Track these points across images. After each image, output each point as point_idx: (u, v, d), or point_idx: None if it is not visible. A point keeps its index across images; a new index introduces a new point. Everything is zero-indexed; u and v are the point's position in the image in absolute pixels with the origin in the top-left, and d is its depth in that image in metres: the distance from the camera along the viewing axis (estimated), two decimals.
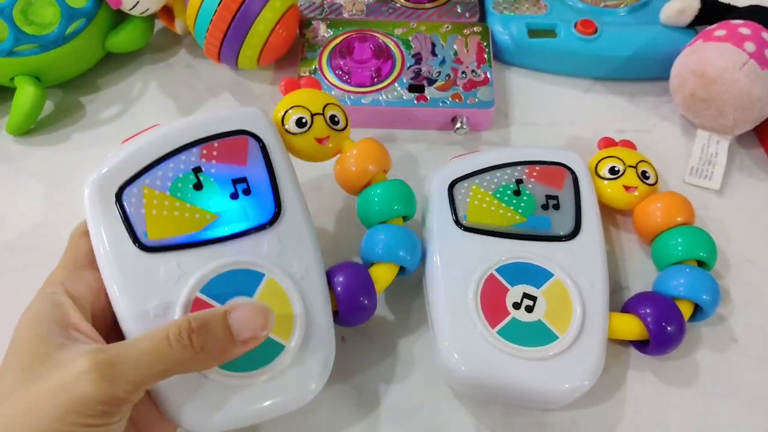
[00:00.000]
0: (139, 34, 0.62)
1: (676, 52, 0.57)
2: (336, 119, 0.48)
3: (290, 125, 0.46)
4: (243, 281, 0.40)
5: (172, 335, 0.34)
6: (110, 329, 0.39)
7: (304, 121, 0.46)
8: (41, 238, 0.53)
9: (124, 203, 0.40)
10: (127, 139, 0.43)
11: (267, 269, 0.40)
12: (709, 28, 0.56)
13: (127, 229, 0.39)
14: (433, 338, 0.44)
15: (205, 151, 0.42)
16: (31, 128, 0.60)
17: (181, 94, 0.62)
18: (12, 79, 0.58)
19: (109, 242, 0.39)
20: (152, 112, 0.61)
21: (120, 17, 0.62)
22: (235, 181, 0.42)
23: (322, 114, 0.47)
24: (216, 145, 0.42)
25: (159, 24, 0.66)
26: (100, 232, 0.39)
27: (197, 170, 0.41)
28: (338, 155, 0.49)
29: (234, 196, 0.42)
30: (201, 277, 0.39)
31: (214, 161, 0.42)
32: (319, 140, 0.47)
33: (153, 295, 0.38)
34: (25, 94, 0.57)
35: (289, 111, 0.47)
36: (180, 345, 0.33)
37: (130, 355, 0.33)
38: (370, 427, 0.44)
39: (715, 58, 0.52)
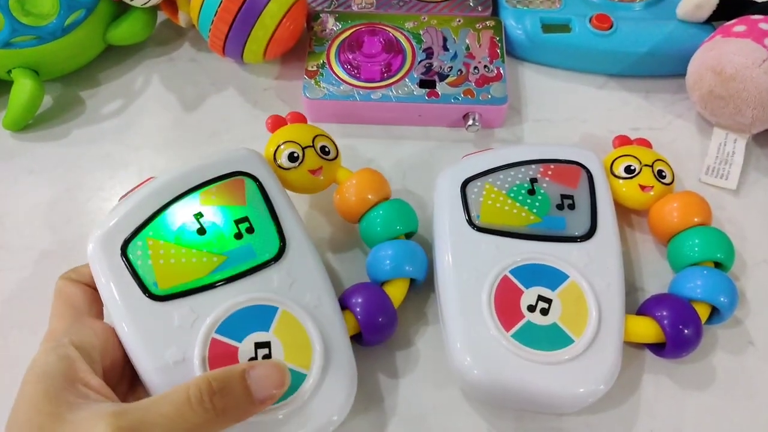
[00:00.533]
0: (141, 26, 0.61)
1: (693, 48, 0.56)
2: (326, 149, 0.48)
3: (283, 161, 0.47)
4: (257, 317, 0.40)
5: (193, 398, 0.33)
6: (121, 376, 0.39)
7: (295, 155, 0.47)
8: (40, 238, 0.52)
9: (130, 256, 0.40)
10: (124, 195, 0.43)
11: (280, 302, 0.41)
12: (728, 23, 0.54)
13: (136, 282, 0.39)
14: (445, 341, 0.44)
15: (203, 197, 0.43)
16: (29, 123, 0.58)
17: (184, 89, 0.61)
18: (9, 72, 0.57)
19: (120, 296, 0.39)
20: (154, 107, 0.60)
21: (121, 9, 0.61)
22: (237, 222, 0.42)
23: (313, 146, 0.48)
24: (213, 189, 0.43)
25: (161, 16, 0.65)
26: (110, 287, 0.40)
27: (198, 216, 0.42)
28: (333, 184, 0.49)
29: (238, 236, 0.42)
30: (215, 318, 0.39)
31: (213, 205, 0.42)
32: (313, 172, 0.48)
33: (170, 342, 0.38)
34: (23, 87, 0.56)
35: (280, 147, 0.47)
36: (202, 408, 0.33)
37: (151, 420, 0.32)
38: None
39: (733, 54, 0.51)
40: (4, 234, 0.52)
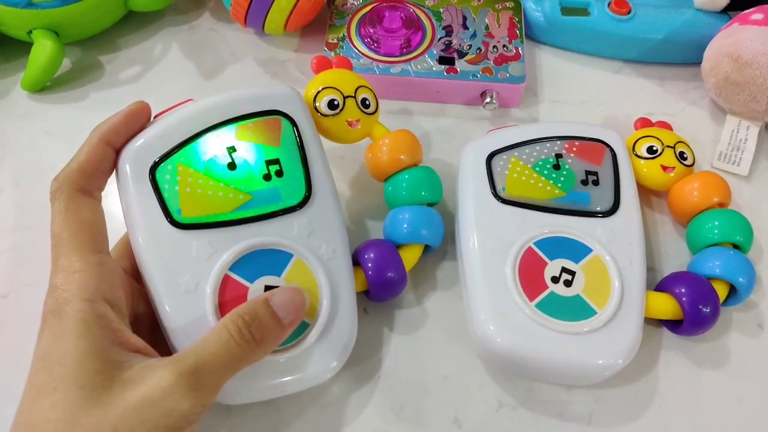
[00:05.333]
0: None
1: (709, 37, 0.56)
2: (367, 102, 0.48)
3: (321, 106, 0.46)
4: (272, 261, 0.40)
5: (235, 334, 0.34)
6: (144, 329, 0.39)
7: (336, 103, 0.46)
8: None
9: (158, 179, 0.40)
10: (160, 113, 0.42)
11: (296, 250, 0.41)
12: (746, 12, 0.55)
13: (161, 206, 0.39)
14: (467, 310, 0.44)
15: (239, 131, 0.42)
16: (47, 85, 0.58)
17: (203, 58, 0.61)
18: (30, 32, 0.56)
19: (143, 217, 0.39)
20: (173, 74, 0.60)
21: None
22: (269, 162, 0.42)
23: (354, 97, 0.47)
24: (250, 125, 0.42)
25: None
26: (134, 207, 0.39)
27: (231, 150, 0.41)
28: (366, 139, 0.49)
29: (267, 177, 0.42)
30: (232, 255, 0.39)
31: (247, 141, 0.42)
32: (350, 123, 0.47)
33: (184, 270, 0.38)
34: (43, 48, 0.56)
35: (321, 92, 0.46)
36: (244, 341, 0.34)
37: (205, 360, 0.33)
38: (390, 400, 0.43)
39: (751, 41, 0.52)
40: (20, 193, 0.52)
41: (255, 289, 0.39)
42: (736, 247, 0.46)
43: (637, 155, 0.49)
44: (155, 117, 0.42)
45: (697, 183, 0.48)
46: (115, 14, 0.60)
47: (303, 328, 0.39)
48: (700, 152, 0.56)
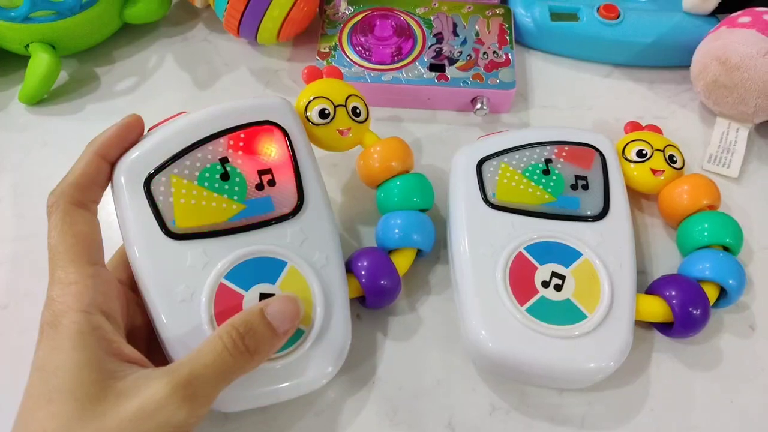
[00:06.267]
0: (157, 5, 0.61)
1: (698, 40, 0.57)
2: (358, 111, 0.48)
3: (313, 116, 0.47)
4: (266, 269, 0.40)
5: (229, 345, 0.35)
6: (140, 339, 0.40)
7: (326, 112, 0.47)
8: None
9: (153, 191, 0.40)
10: (154, 126, 0.43)
11: (289, 258, 0.41)
12: (733, 15, 0.56)
13: (155, 217, 0.39)
14: (459, 315, 0.44)
15: (231, 142, 0.42)
16: (44, 98, 0.59)
17: (197, 69, 0.62)
18: (27, 46, 0.57)
19: (138, 229, 0.39)
20: (168, 85, 0.61)
21: None
22: (261, 172, 0.42)
23: (345, 106, 0.48)
24: (242, 135, 0.43)
25: None
26: (130, 218, 0.40)
27: (224, 161, 0.42)
28: (358, 146, 0.50)
29: (259, 187, 0.42)
30: (226, 264, 0.40)
31: (240, 152, 0.42)
32: (341, 132, 0.48)
33: (180, 280, 0.39)
34: (40, 62, 0.56)
35: (312, 101, 0.47)
36: (238, 352, 0.35)
37: (200, 372, 0.33)
38: (384, 405, 0.44)
39: (738, 44, 0.52)
40: (18, 202, 0.52)
41: (250, 296, 0.39)
42: (726, 249, 0.47)
43: (626, 159, 0.50)
44: (149, 130, 0.43)
45: (687, 186, 0.48)
46: (110, 27, 0.61)
47: (298, 335, 0.39)
48: (691, 155, 0.56)
